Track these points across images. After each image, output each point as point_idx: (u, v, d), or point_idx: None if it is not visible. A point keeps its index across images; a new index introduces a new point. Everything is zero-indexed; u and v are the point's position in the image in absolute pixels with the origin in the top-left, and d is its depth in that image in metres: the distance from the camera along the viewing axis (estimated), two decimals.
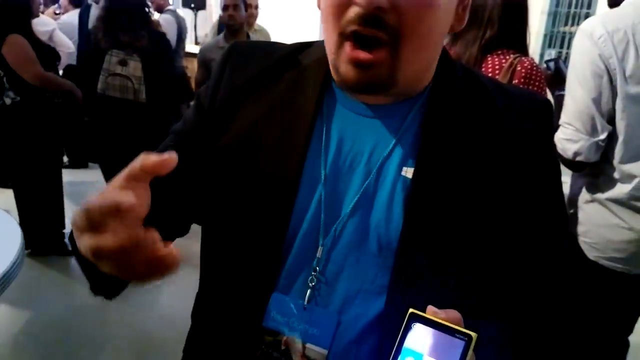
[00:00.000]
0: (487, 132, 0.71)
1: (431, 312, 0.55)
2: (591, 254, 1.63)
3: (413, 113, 0.72)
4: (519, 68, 1.84)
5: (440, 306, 0.57)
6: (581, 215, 1.66)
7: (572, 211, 1.69)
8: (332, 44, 0.67)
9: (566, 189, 1.87)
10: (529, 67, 1.84)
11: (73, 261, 3.38)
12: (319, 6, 0.71)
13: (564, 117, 1.58)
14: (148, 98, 3.13)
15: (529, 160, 0.72)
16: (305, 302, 0.70)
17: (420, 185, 0.69)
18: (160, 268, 0.50)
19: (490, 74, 1.88)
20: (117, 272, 0.51)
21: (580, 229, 1.66)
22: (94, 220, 0.49)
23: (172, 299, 2.90)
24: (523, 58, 1.86)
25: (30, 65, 3.06)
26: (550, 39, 5.99)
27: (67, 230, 3.50)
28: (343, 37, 0.64)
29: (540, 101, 0.77)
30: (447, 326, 0.54)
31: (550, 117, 0.76)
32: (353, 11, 0.62)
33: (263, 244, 0.71)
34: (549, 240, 0.75)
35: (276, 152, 0.72)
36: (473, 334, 0.53)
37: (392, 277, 0.68)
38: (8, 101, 3.13)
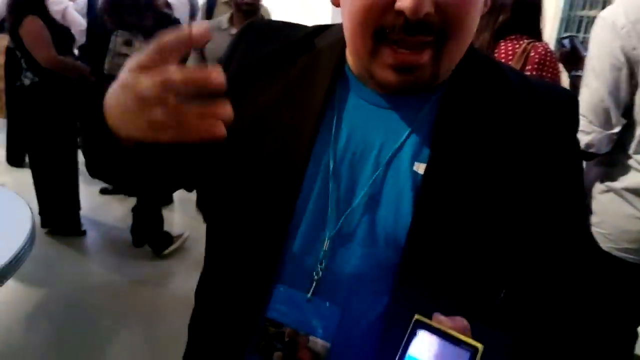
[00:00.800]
0: (506, 127, 0.68)
1: (437, 320, 0.54)
2: (605, 245, 1.61)
3: (429, 105, 0.69)
4: (532, 54, 1.81)
5: (446, 308, 0.56)
6: (595, 205, 1.64)
7: (586, 200, 1.67)
8: (364, 47, 0.63)
9: None
10: (543, 52, 1.81)
11: (88, 240, 3.44)
12: (335, 4, 0.69)
13: (579, 108, 1.56)
14: None
15: (552, 158, 0.69)
16: (310, 295, 0.69)
17: (431, 183, 0.66)
18: (212, 115, 0.50)
19: (503, 60, 1.85)
20: (167, 119, 0.51)
21: (595, 219, 1.64)
22: (154, 59, 0.51)
23: (184, 277, 2.93)
24: (537, 43, 1.83)
25: (44, 49, 3.09)
26: (567, 23, 5.88)
27: (82, 211, 3.55)
28: (380, 41, 0.61)
29: (567, 97, 0.74)
30: (452, 335, 0.52)
31: (575, 114, 0.73)
32: (394, 17, 0.59)
33: (265, 232, 0.70)
34: (569, 241, 0.72)
35: (284, 137, 0.70)
36: (479, 346, 0.51)
37: (398, 276, 0.66)
38: (27, 82, 3.19)
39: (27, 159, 4.75)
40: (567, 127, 0.72)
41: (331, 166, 0.69)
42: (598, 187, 1.63)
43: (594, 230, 1.64)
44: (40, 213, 3.43)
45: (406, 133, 0.69)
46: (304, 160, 0.69)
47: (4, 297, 2.62)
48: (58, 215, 3.45)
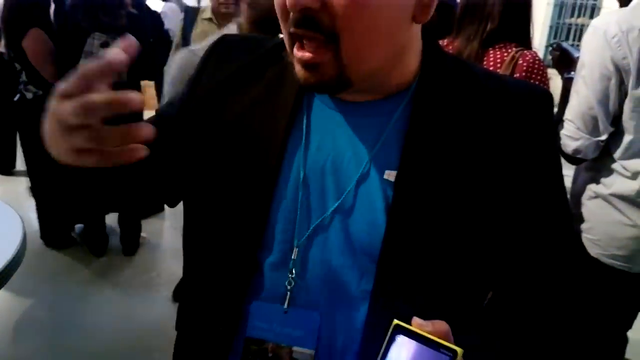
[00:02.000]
0: (479, 129, 0.67)
1: (416, 324, 0.53)
2: (593, 251, 1.62)
3: (399, 111, 0.68)
4: (520, 61, 1.82)
5: (426, 313, 0.55)
6: (584, 212, 1.65)
7: (574, 207, 1.68)
8: (287, 46, 0.66)
9: (568, 182, 1.86)
10: (531, 60, 1.82)
11: (80, 249, 3.42)
12: None
13: (568, 114, 1.57)
14: (129, 78, 3.06)
15: (527, 156, 0.67)
16: (285, 306, 0.69)
17: (403, 190, 0.65)
18: (132, 138, 0.51)
19: (491, 68, 1.86)
20: (88, 144, 0.52)
21: (583, 225, 1.65)
22: (78, 86, 0.51)
23: (170, 292, 2.91)
24: (525, 51, 1.84)
25: (49, 63, 3.07)
26: (556, 31, 5.94)
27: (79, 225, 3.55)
28: (291, 39, 0.63)
29: (539, 93, 0.72)
30: (432, 340, 0.52)
31: (549, 110, 0.71)
32: (290, 14, 0.61)
33: (238, 245, 0.70)
34: (552, 239, 0.71)
35: (254, 150, 0.70)
36: (459, 350, 0.51)
37: (375, 283, 0.66)
38: (30, 95, 3.15)
39: (16, 167, 4.73)
40: (541, 124, 0.70)
41: (301, 176, 0.69)
42: (586, 193, 1.65)
43: (583, 236, 1.65)
44: (39, 223, 3.42)
45: (376, 141, 0.68)
46: (275, 171, 0.69)
47: None
48: (55, 225, 3.43)
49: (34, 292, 2.89)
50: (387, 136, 0.68)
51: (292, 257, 0.69)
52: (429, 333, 0.52)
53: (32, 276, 2.89)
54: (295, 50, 0.63)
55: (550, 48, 2.01)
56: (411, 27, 0.65)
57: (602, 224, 1.60)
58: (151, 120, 0.79)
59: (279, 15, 0.64)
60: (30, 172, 3.60)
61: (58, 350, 2.49)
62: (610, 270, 1.61)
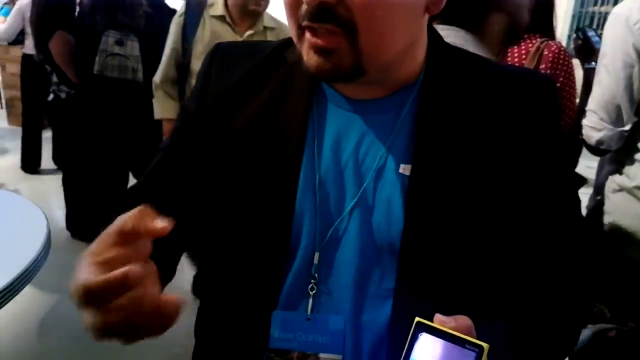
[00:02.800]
0: (486, 118, 0.67)
1: (439, 321, 0.52)
2: (617, 245, 1.59)
3: (408, 105, 0.68)
4: (546, 52, 1.79)
5: (449, 307, 0.55)
6: (608, 205, 1.61)
7: (598, 199, 1.65)
8: (295, 37, 0.65)
9: (591, 174, 1.82)
10: (557, 51, 1.79)
11: None
12: None
13: (590, 104, 1.54)
14: (145, 77, 3.08)
15: (533, 142, 0.68)
16: (308, 312, 0.68)
17: (419, 183, 0.65)
18: (163, 320, 0.50)
19: (516, 60, 1.83)
20: (120, 339, 0.51)
21: (607, 219, 1.61)
22: (96, 297, 0.48)
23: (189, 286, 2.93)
24: (550, 42, 1.81)
25: (72, 65, 3.14)
26: (579, 20, 5.83)
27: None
28: (301, 29, 0.63)
29: (541, 80, 0.73)
30: (456, 336, 0.50)
31: (552, 96, 0.72)
32: (303, 7, 0.61)
33: (264, 259, 0.69)
34: (561, 223, 0.71)
35: (270, 158, 0.69)
36: (485, 345, 0.49)
37: (398, 279, 0.65)
38: (63, 95, 3.26)
39: (41, 166, 4.82)
40: (545, 110, 0.70)
41: (316, 178, 0.68)
42: (610, 186, 1.61)
43: (607, 229, 1.61)
44: (67, 218, 3.51)
45: (388, 137, 0.68)
46: (295, 177, 0.68)
47: (20, 304, 2.64)
48: (87, 220, 3.49)
49: (59, 288, 2.93)
50: (398, 131, 0.68)
51: (315, 261, 0.68)
52: (453, 329, 0.51)
53: (57, 273, 2.92)
54: (307, 36, 0.62)
55: (575, 35, 1.95)
56: (423, 18, 0.66)
57: (626, 218, 1.56)
58: (158, 163, 0.79)
59: (286, 9, 0.64)
60: (62, 167, 3.72)
61: (82, 345, 2.52)
62: (635, 263, 1.57)
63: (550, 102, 0.71)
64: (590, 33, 1.93)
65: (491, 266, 0.67)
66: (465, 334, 0.50)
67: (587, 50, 1.88)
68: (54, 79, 3.29)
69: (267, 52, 0.76)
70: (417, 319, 0.51)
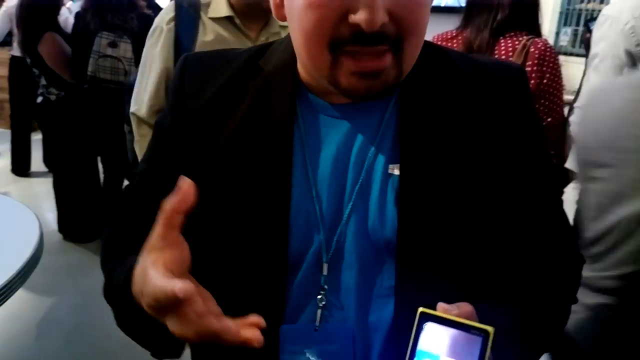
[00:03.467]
0: (465, 112, 0.68)
1: (442, 309, 0.52)
2: None
3: (391, 105, 0.69)
4: (532, 50, 1.80)
5: (450, 298, 0.55)
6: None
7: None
8: (322, 61, 0.61)
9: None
10: (543, 48, 1.80)
11: (98, 249, 3.45)
12: (281, 18, 0.66)
13: (579, 101, 1.55)
14: None
15: (510, 131, 0.70)
16: (317, 323, 0.67)
17: (408, 181, 0.66)
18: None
19: (503, 57, 1.85)
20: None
21: None
22: (165, 307, 0.51)
23: None
24: (536, 39, 1.83)
25: (67, 65, 3.15)
26: (566, 17, 5.86)
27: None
28: (337, 51, 0.60)
29: (514, 69, 0.74)
30: (461, 323, 0.50)
31: (524, 84, 0.74)
32: (349, 29, 0.57)
33: (265, 276, 0.68)
34: (544, 203, 0.74)
35: (259, 173, 0.67)
36: (490, 329, 0.49)
37: (397, 276, 0.66)
38: (53, 97, 3.24)
39: (31, 169, 4.79)
40: (519, 98, 0.72)
41: (313, 190, 0.68)
42: None
43: None
44: (59, 220, 3.51)
45: (375, 139, 0.68)
46: (287, 189, 0.67)
47: (13, 307, 2.63)
48: (76, 221, 3.51)
49: (53, 291, 2.93)
50: (383, 132, 0.68)
51: (324, 272, 0.68)
52: (456, 316, 0.51)
53: (50, 276, 2.93)
54: (349, 62, 0.60)
55: (584, 28, 1.96)
56: None
57: None
58: (137, 188, 0.77)
59: (314, 28, 0.59)
60: (52, 169, 3.75)
61: (78, 349, 2.52)
62: None
63: (523, 90, 0.73)
64: (593, 27, 1.93)
65: (483, 251, 0.69)
66: (468, 320, 0.51)
67: None
68: (42, 81, 3.28)
69: (241, 62, 0.73)
70: (420, 309, 0.52)
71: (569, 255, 0.78)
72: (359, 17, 0.56)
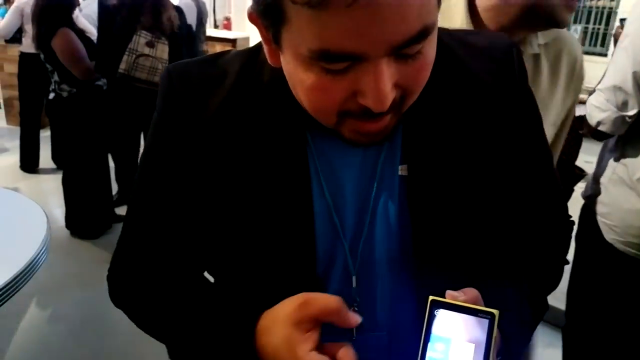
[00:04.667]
0: (463, 101, 0.68)
1: (450, 296, 0.56)
2: (609, 236, 1.59)
3: None
4: None
5: (462, 284, 0.59)
6: (605, 196, 1.61)
7: (596, 187, 1.64)
8: (327, 122, 0.61)
9: (590, 169, 1.82)
10: None
11: (106, 244, 3.47)
12: (275, 64, 0.62)
13: (601, 83, 1.52)
14: None
15: (508, 111, 0.70)
16: (354, 335, 0.66)
17: (416, 179, 0.67)
18: None
19: None
20: None
21: (602, 209, 1.61)
22: None
23: None
24: None
25: (82, 62, 3.16)
26: (576, 14, 5.81)
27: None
28: (343, 117, 0.59)
29: (506, 46, 0.73)
30: (469, 307, 0.55)
31: (518, 58, 0.72)
32: (357, 106, 0.56)
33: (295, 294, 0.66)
34: (538, 172, 0.76)
35: (278, 195, 0.66)
36: (495, 312, 0.54)
37: (416, 274, 0.67)
38: (64, 94, 3.25)
39: (40, 165, 4.82)
40: (515, 76, 0.71)
41: (331, 205, 0.67)
42: (610, 176, 1.60)
43: (600, 219, 1.61)
44: (67, 217, 3.54)
45: (384, 143, 0.67)
46: (309, 212, 0.66)
47: (20, 302, 2.64)
48: (86, 218, 3.53)
49: (60, 288, 2.94)
50: (391, 134, 0.66)
51: (353, 285, 0.68)
52: (464, 302, 0.55)
53: (57, 271, 2.94)
54: (352, 123, 0.59)
55: (622, 22, 1.91)
56: None
57: (621, 211, 1.56)
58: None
59: (319, 108, 0.59)
60: (62, 165, 3.79)
61: (84, 345, 2.53)
62: (623, 257, 1.58)
63: (517, 66, 0.72)
64: None
65: (490, 233, 0.70)
66: (474, 304, 0.56)
67: None
68: (55, 77, 3.28)
69: (235, 72, 0.69)
70: (431, 297, 0.56)
71: (561, 221, 0.82)
72: (367, 101, 0.54)
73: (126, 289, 0.78)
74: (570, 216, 0.84)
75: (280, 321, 0.60)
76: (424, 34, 0.52)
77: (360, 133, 0.60)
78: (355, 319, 0.58)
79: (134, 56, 3.05)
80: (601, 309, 1.69)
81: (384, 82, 0.53)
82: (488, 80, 0.70)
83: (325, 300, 0.59)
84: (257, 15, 0.56)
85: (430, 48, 0.56)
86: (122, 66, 3.05)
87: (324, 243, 0.67)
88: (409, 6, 0.49)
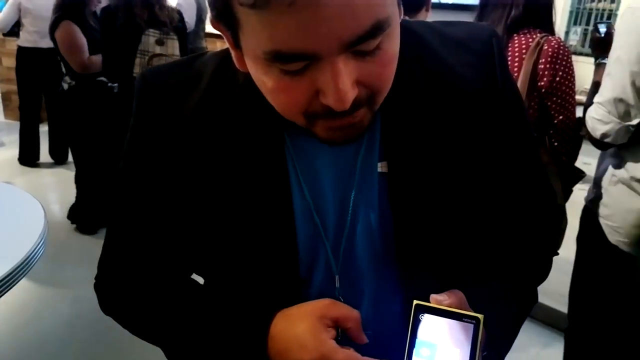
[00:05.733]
0: (442, 96, 0.67)
1: (435, 300, 0.56)
2: (613, 238, 1.59)
3: None
4: (545, 47, 1.79)
5: (448, 284, 0.59)
6: (606, 198, 1.62)
7: (596, 192, 1.65)
8: (297, 122, 0.60)
9: (589, 170, 1.82)
10: (556, 46, 1.79)
11: (102, 237, 3.46)
12: (242, 68, 0.60)
13: (599, 97, 1.53)
14: None
15: (488, 102, 0.68)
16: (339, 335, 0.64)
17: (397, 176, 0.66)
18: None
19: (517, 53, 1.83)
20: None
21: (604, 211, 1.62)
22: None
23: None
24: (550, 37, 1.82)
25: (77, 55, 3.15)
26: (576, 16, 5.82)
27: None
28: (312, 117, 0.58)
29: (484, 36, 0.71)
30: (453, 312, 0.55)
31: (497, 48, 0.71)
32: (320, 106, 0.55)
33: (279, 295, 0.67)
34: (523, 163, 0.74)
35: (258, 196, 0.65)
36: (479, 316, 0.54)
37: (400, 271, 0.66)
38: (65, 86, 3.25)
39: (40, 159, 4.81)
40: (493, 67, 0.70)
41: (311, 205, 0.66)
42: (609, 178, 1.61)
43: (602, 222, 1.62)
44: (73, 209, 3.58)
45: (362, 141, 0.67)
46: (289, 210, 0.66)
47: (15, 296, 2.63)
48: (93, 209, 3.54)
49: (56, 282, 2.93)
50: (369, 132, 0.66)
51: (337, 285, 0.68)
52: (448, 306, 0.55)
53: (54, 266, 2.93)
54: (323, 122, 0.58)
55: (596, 26, 1.90)
56: None
57: (622, 212, 1.57)
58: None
59: (285, 110, 0.59)
60: (59, 160, 3.96)
61: (77, 335, 2.52)
62: (629, 257, 1.58)
63: (497, 56, 0.70)
64: (603, 29, 1.89)
65: (474, 227, 0.70)
66: (459, 307, 0.56)
67: (604, 45, 1.85)
68: (63, 69, 3.31)
69: (209, 73, 0.68)
70: (415, 301, 0.56)
71: (548, 210, 0.80)
72: (328, 101, 0.54)
73: (115, 295, 0.78)
74: (562, 206, 0.83)
75: (305, 313, 0.62)
76: (377, 29, 0.51)
77: (334, 129, 0.59)
78: (365, 338, 0.61)
79: (147, 57, 2.95)
80: (605, 311, 1.69)
81: (342, 81, 0.52)
82: (467, 74, 0.68)
83: (348, 308, 0.61)
84: (217, 22, 0.56)
85: (389, 43, 0.55)
86: (136, 69, 2.95)
87: (305, 244, 0.67)
88: (355, 3, 0.48)
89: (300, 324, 0.61)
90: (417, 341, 0.55)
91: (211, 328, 0.68)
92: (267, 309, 0.65)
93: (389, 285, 0.68)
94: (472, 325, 0.54)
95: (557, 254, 0.83)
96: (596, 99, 1.54)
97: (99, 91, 3.25)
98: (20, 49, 4.44)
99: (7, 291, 1.40)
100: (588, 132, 1.59)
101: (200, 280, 0.78)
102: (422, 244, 0.66)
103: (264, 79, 0.56)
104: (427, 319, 0.55)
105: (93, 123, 3.31)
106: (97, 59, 3.17)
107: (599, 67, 1.80)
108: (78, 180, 3.55)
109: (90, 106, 3.27)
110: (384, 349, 0.64)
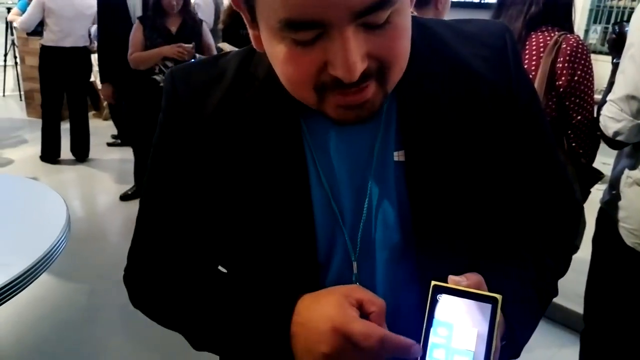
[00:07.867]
0: (457, 87, 0.68)
1: (453, 281, 0.56)
2: (629, 240, 1.57)
3: (389, 97, 0.67)
4: (564, 46, 1.77)
5: (463, 269, 0.59)
6: (622, 200, 1.60)
7: (613, 193, 1.64)
8: (308, 99, 0.61)
9: (607, 170, 1.80)
10: (575, 44, 1.77)
11: (122, 238, 3.51)
12: (260, 49, 0.63)
13: (612, 95, 1.51)
14: None
15: (503, 94, 0.70)
16: None
17: (414, 164, 0.67)
18: None
19: (534, 52, 1.82)
20: None
21: (620, 213, 1.60)
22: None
23: None
24: (569, 35, 1.80)
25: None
26: (596, 14, 5.74)
27: None
28: (323, 91, 0.59)
29: (498, 31, 0.73)
30: (471, 292, 0.54)
31: (511, 43, 0.72)
32: (329, 78, 0.57)
33: (297, 287, 0.67)
34: (540, 156, 0.75)
35: (277, 185, 0.67)
36: (498, 296, 0.53)
37: (417, 258, 0.67)
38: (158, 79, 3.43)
39: (61, 156, 4.88)
40: (507, 60, 0.71)
41: (329, 193, 0.68)
42: (624, 180, 1.59)
43: (620, 225, 1.60)
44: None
45: (379, 130, 0.68)
46: (307, 198, 0.67)
47: (36, 289, 2.68)
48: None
49: (77, 277, 2.98)
50: (386, 122, 0.68)
51: (354, 271, 0.69)
52: (466, 287, 0.55)
53: (74, 262, 2.98)
54: (334, 98, 0.59)
55: (610, 29, 1.89)
56: None
57: (638, 214, 1.54)
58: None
59: (295, 84, 0.60)
60: (77, 157, 4.31)
61: (95, 329, 2.56)
62: None
63: (511, 50, 0.72)
64: (627, 29, 1.88)
65: (491, 217, 0.71)
66: (477, 289, 0.55)
67: (619, 45, 1.84)
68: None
69: (232, 71, 0.72)
70: (433, 282, 0.55)
71: (567, 204, 0.80)
72: (337, 72, 0.55)
73: (144, 286, 0.80)
74: (580, 200, 0.82)
75: (331, 291, 0.63)
76: (386, 1, 0.53)
77: (345, 107, 0.60)
78: (385, 330, 0.60)
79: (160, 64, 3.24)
80: (621, 314, 1.67)
81: (351, 51, 0.53)
82: (481, 66, 0.70)
83: (374, 295, 0.61)
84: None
85: (400, 18, 0.56)
86: (157, 78, 3.22)
87: (323, 231, 0.68)
88: None
89: (325, 298, 0.62)
90: (435, 321, 0.54)
91: (238, 309, 0.69)
92: (291, 291, 0.66)
93: (407, 272, 0.68)
94: (490, 306, 0.53)
95: (577, 248, 0.82)
96: (609, 96, 1.52)
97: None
98: (44, 48, 4.52)
99: (29, 284, 1.43)
100: (604, 137, 1.57)
101: (224, 271, 0.80)
102: (440, 232, 0.67)
103: (277, 50, 0.58)
104: (444, 299, 0.55)
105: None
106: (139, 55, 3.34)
107: (615, 67, 1.79)
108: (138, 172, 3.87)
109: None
110: (402, 334, 0.65)
